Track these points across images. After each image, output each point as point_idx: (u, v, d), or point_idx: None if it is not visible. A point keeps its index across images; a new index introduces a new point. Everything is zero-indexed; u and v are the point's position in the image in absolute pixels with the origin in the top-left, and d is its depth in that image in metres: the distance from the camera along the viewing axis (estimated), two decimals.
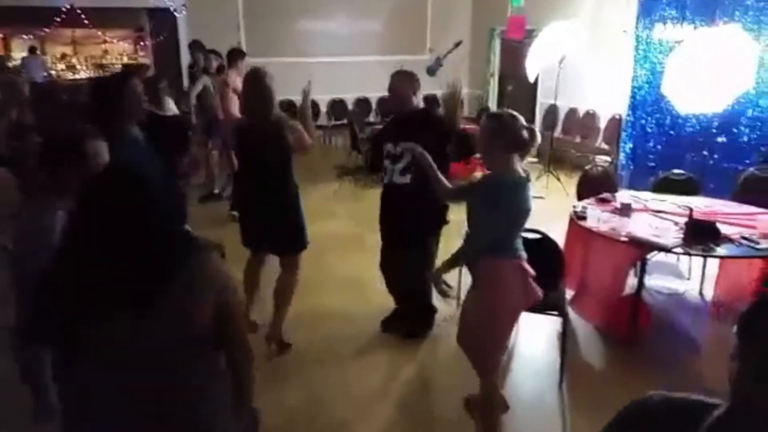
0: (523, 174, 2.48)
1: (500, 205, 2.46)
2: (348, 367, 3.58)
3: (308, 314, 4.08)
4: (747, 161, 5.85)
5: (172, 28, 10.01)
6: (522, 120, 2.53)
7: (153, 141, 2.79)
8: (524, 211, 2.49)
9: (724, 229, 3.65)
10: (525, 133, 2.49)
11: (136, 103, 2.70)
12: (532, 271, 2.57)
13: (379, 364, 3.63)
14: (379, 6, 10.69)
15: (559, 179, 7.35)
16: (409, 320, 3.91)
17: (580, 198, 4.76)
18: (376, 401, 3.27)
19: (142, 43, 12.74)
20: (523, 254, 2.57)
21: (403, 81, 3.53)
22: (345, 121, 9.46)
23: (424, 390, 3.41)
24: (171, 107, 5.72)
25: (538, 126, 9.39)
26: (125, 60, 13.55)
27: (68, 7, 9.91)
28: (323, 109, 10.36)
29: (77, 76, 13.00)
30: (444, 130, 3.44)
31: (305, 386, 3.35)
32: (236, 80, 5.68)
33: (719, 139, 6.12)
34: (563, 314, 3.39)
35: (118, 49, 13.72)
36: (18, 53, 13.07)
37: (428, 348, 3.79)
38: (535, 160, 7.36)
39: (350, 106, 10.46)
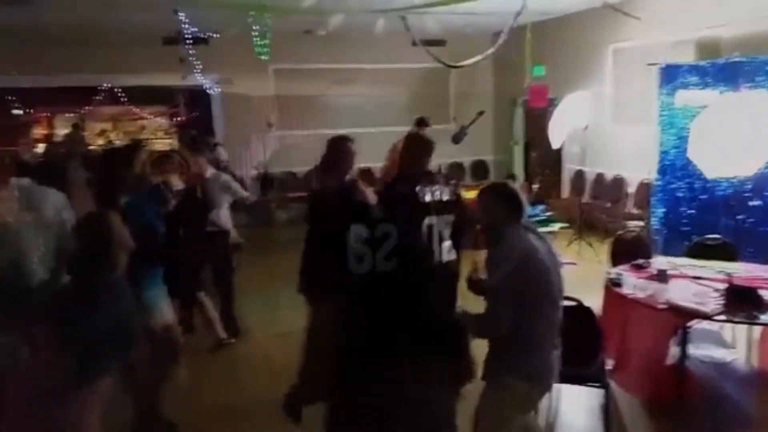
0: None
1: None
2: None
3: None
4: None
5: (206, 105, 10.45)
6: None
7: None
8: None
9: (766, 295, 3.54)
10: None
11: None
12: None
13: None
14: (402, 78, 11.03)
15: (590, 245, 7.27)
16: None
17: (613, 264, 4.68)
18: None
19: (177, 119, 13.29)
20: None
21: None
22: (373, 189, 9.57)
23: None
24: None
25: (566, 192, 9.42)
26: (160, 135, 14.15)
27: (107, 86, 10.47)
28: None
29: None
30: None
31: None
32: None
33: (753, 203, 6.03)
34: (604, 386, 3.28)
35: (154, 125, 14.33)
36: (60, 130, 13.70)
37: None
38: (566, 225, 7.31)
39: (377, 175, 10.62)
